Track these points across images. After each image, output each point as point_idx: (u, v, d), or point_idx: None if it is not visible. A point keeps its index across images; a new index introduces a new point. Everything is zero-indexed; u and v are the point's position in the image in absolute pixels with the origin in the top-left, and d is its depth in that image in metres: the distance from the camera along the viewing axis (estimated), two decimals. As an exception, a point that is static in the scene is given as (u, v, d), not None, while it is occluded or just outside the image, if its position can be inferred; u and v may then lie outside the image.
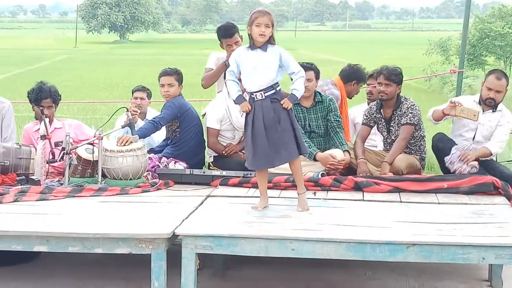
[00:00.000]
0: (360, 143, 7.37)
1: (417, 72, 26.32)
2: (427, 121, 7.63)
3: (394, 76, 7.29)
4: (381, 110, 7.43)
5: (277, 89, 5.77)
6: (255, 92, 5.73)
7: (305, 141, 6.64)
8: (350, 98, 8.68)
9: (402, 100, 7.35)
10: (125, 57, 51.06)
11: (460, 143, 7.32)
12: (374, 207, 6.10)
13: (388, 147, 7.43)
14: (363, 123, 7.54)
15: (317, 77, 7.49)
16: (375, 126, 7.55)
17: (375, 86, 7.90)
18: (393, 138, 7.36)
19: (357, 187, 6.60)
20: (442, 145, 7.41)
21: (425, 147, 7.51)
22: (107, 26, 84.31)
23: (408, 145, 7.35)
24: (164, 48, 63.08)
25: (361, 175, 6.96)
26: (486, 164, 7.26)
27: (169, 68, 7.71)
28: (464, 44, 9.05)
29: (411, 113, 7.24)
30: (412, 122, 7.24)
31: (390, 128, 7.39)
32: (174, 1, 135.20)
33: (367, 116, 7.52)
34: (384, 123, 7.43)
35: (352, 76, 8.56)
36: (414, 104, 7.33)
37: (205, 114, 7.94)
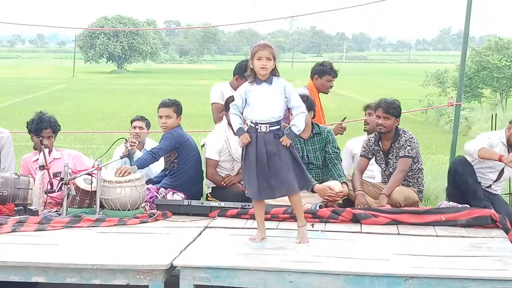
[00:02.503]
0: (358, 175, 7.39)
1: (413, 103, 26.42)
2: (425, 153, 7.66)
3: (392, 109, 7.34)
4: (380, 143, 7.46)
5: (281, 125, 5.81)
6: (260, 124, 5.76)
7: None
8: (326, 93, 8.79)
9: (401, 132, 7.40)
10: (123, 87, 51.14)
11: (480, 179, 7.44)
12: (372, 239, 6.09)
13: (386, 179, 7.45)
14: (361, 155, 7.57)
15: (310, 109, 7.48)
16: (373, 158, 7.58)
17: (370, 115, 8.08)
18: (391, 170, 7.39)
19: (355, 219, 6.60)
20: (462, 170, 7.41)
21: (423, 179, 7.53)
22: (105, 56, 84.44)
23: (406, 178, 7.37)
24: (161, 78, 63.18)
25: (359, 207, 6.97)
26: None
27: (168, 99, 7.72)
28: (461, 76, 9.07)
29: (409, 145, 7.28)
30: (410, 155, 7.27)
31: (388, 160, 7.42)
32: (172, 32, 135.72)
33: (365, 148, 7.54)
34: (382, 155, 7.46)
35: (313, 72, 8.74)
36: (413, 137, 7.36)
37: (204, 145, 7.96)
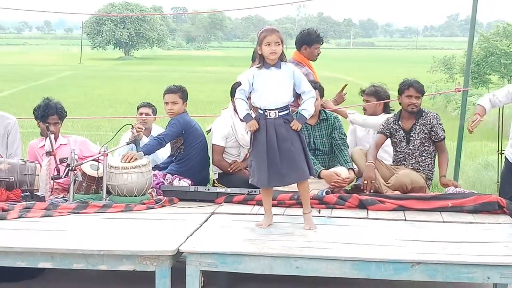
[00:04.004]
0: (374, 149, 7.33)
1: (421, 90, 26.27)
2: None
3: (422, 88, 7.45)
4: (399, 122, 7.43)
5: (289, 110, 5.80)
6: (269, 110, 5.75)
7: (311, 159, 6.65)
8: (314, 61, 8.69)
9: (423, 110, 7.42)
10: (130, 73, 51.14)
11: None
12: (378, 225, 6.09)
13: (402, 159, 7.42)
14: (379, 132, 7.46)
15: (322, 95, 7.51)
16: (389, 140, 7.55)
17: (367, 101, 8.19)
18: (411, 148, 7.35)
19: (362, 205, 6.60)
20: None
21: (433, 166, 7.48)
22: (112, 42, 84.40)
23: (418, 160, 7.35)
24: (168, 65, 63.15)
25: (366, 192, 6.96)
26: None
27: (173, 85, 7.71)
28: (469, 62, 9.04)
29: (441, 124, 7.36)
30: (444, 136, 7.39)
31: (410, 138, 7.36)
32: (179, 18, 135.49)
33: (384, 126, 7.47)
34: (403, 134, 7.39)
35: (300, 42, 8.58)
36: (437, 115, 7.41)
37: (210, 130, 7.95)
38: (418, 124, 7.35)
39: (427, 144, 7.34)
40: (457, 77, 29.73)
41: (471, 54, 9.05)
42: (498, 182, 8.24)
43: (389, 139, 7.50)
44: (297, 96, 6.14)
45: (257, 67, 5.81)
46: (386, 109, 8.21)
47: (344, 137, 7.55)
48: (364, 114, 8.36)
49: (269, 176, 5.78)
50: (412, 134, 7.36)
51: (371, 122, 7.94)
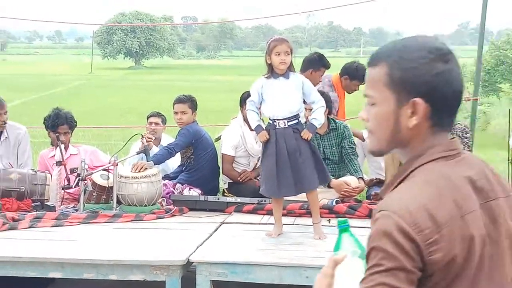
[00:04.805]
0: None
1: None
2: None
3: None
4: None
5: (299, 119, 5.80)
6: (277, 120, 5.75)
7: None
8: (349, 93, 8.74)
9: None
10: (140, 83, 51.24)
11: None
12: (388, 234, 6.06)
13: None
14: None
15: (327, 105, 7.45)
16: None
17: None
18: None
19: (372, 215, 6.56)
20: None
21: None
22: (123, 52, 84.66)
23: None
24: (179, 74, 63.23)
25: (376, 201, 6.94)
26: None
27: (183, 95, 7.73)
28: (478, 71, 9.05)
29: (466, 137, 7.21)
30: (471, 149, 7.24)
31: None
32: (189, 28, 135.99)
33: None
34: None
35: (345, 71, 8.65)
36: (467, 129, 7.28)
37: (219, 137, 7.95)
38: None
39: None
40: (467, 86, 29.62)
41: (480, 62, 9.06)
42: None
43: None
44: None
45: (265, 77, 5.81)
46: None
47: (354, 146, 7.54)
48: None
49: (279, 186, 5.77)
50: None
51: None
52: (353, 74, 8.56)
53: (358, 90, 8.69)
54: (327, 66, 8.47)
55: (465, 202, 1.99)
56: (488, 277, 2.01)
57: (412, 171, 2.06)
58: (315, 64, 8.40)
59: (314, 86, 7.89)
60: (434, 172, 2.03)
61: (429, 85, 2.01)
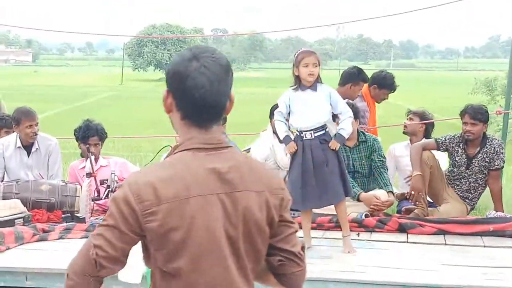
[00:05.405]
0: (419, 149, 7.14)
1: (462, 111, 26.04)
2: None
3: (480, 115, 7.05)
4: (465, 146, 7.14)
5: (326, 130, 5.78)
6: (304, 131, 5.74)
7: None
8: (378, 103, 8.75)
9: (488, 137, 7.15)
10: (170, 94, 51.34)
11: None
12: (418, 249, 6.03)
13: (457, 180, 7.23)
14: (436, 139, 7.28)
15: (356, 117, 7.41)
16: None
17: (411, 120, 8.09)
18: (468, 173, 7.14)
19: (402, 229, 6.54)
20: None
21: (480, 196, 7.30)
22: (153, 63, 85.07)
23: (471, 187, 7.20)
24: (208, 86, 63.32)
25: (411, 203, 6.93)
26: None
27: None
28: (510, 84, 8.94)
29: (503, 153, 7.08)
30: (503, 165, 7.13)
31: (471, 164, 7.13)
32: (219, 40, 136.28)
33: (445, 140, 7.21)
34: (465, 159, 7.15)
35: (373, 80, 8.61)
36: (502, 144, 7.19)
37: (248, 149, 7.94)
38: (481, 152, 7.07)
39: (485, 171, 7.11)
40: (498, 99, 29.44)
41: (511, 75, 8.96)
42: None
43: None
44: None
45: (293, 89, 5.81)
46: (428, 135, 8.05)
47: (384, 160, 7.48)
48: (404, 132, 8.27)
49: (304, 197, 5.76)
50: (474, 161, 7.11)
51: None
52: (382, 83, 8.56)
53: (387, 98, 8.69)
54: (366, 80, 8.44)
55: (196, 187, 2.35)
56: (214, 256, 2.37)
57: (170, 155, 2.47)
58: (354, 78, 8.34)
59: (353, 100, 7.96)
60: (179, 158, 2.41)
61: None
